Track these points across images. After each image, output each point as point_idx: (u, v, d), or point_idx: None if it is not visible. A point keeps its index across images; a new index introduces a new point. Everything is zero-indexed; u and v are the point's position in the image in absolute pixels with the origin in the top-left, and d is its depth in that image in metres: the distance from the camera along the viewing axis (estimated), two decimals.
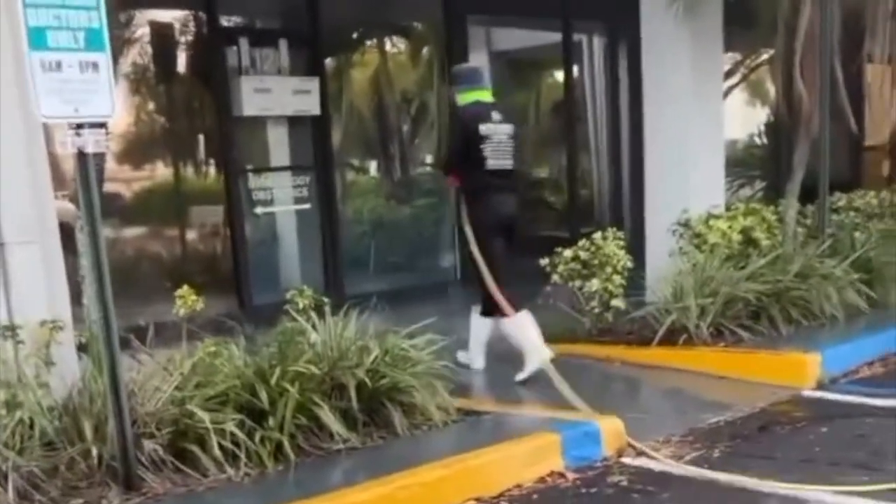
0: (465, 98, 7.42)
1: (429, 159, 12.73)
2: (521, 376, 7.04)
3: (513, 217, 7.42)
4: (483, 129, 7.19)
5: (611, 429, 5.82)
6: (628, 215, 13.24)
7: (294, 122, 10.31)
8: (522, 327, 7.19)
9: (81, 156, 4.53)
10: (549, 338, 7.95)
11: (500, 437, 5.59)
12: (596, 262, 7.94)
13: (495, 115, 7.30)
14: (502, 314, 7.19)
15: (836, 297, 8.07)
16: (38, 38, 4.36)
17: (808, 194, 9.20)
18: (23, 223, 5.55)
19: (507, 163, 7.30)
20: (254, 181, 10.00)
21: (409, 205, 11.29)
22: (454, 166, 7.44)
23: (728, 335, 7.60)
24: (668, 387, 6.97)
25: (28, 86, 4.39)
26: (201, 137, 10.41)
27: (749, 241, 8.43)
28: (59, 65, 4.42)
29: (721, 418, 6.33)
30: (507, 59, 14.52)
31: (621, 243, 7.99)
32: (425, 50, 12.61)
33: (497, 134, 7.24)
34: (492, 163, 7.21)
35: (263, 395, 5.32)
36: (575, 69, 13.66)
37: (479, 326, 7.52)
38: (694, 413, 6.44)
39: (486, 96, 7.46)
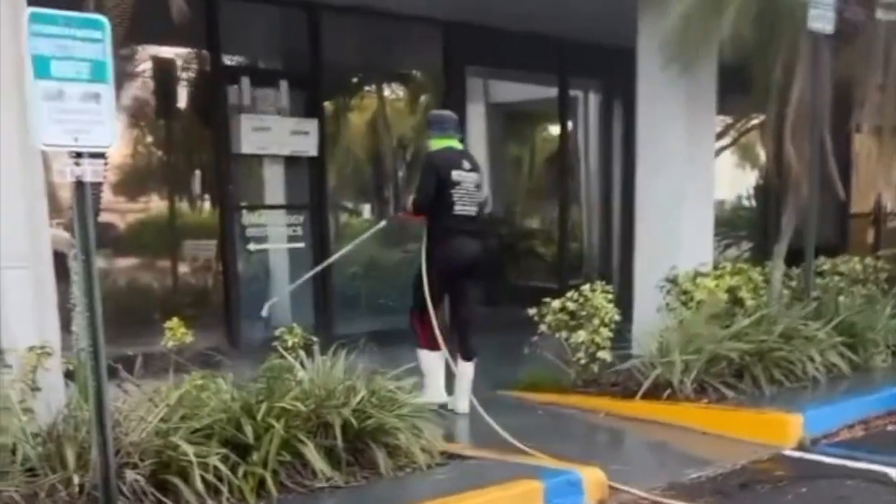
0: (437, 143, 7.70)
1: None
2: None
3: (475, 260, 7.71)
4: (455, 175, 7.51)
5: (593, 479, 5.85)
6: (617, 269, 13.34)
7: (291, 161, 10.41)
8: (436, 365, 7.58)
9: (79, 185, 4.54)
10: (534, 387, 8.06)
11: (484, 483, 5.59)
12: (584, 313, 7.99)
13: (465, 164, 7.63)
14: (430, 347, 7.55)
15: (818, 359, 8.13)
16: (41, 67, 4.37)
17: (794, 257, 9.31)
18: (16, 248, 5.55)
19: (472, 209, 7.63)
20: (248, 218, 10.07)
21: (400, 248, 11.31)
22: (425, 208, 7.61)
23: (711, 392, 7.64)
24: (651, 440, 6.99)
25: (29, 113, 4.41)
26: (198, 172, 10.51)
27: (735, 300, 8.51)
28: (61, 94, 4.43)
29: (703, 474, 6.35)
30: (503, 111, 14.70)
31: (609, 296, 8.04)
32: (423, 97, 12.75)
33: (466, 181, 7.57)
34: (459, 208, 7.52)
35: (249, 430, 5.33)
36: (570, 123, 13.85)
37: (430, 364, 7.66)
38: (676, 467, 6.46)
39: (457, 144, 7.78)
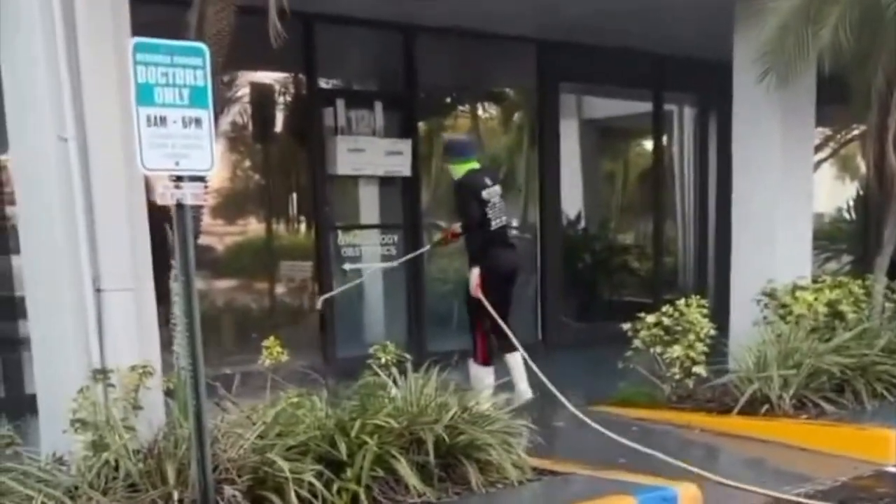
0: (461, 168, 8.33)
1: (514, 222, 12.82)
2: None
3: (516, 266, 8.61)
4: (484, 194, 8.22)
5: (689, 495, 5.80)
6: (713, 283, 13.16)
7: (385, 181, 10.54)
8: (486, 377, 8.04)
9: (180, 208, 4.67)
10: (627, 402, 8.01)
11: (576, 498, 5.60)
12: (679, 328, 7.93)
13: (488, 181, 8.35)
14: (486, 362, 8.20)
15: None
16: (145, 94, 4.52)
17: None
18: (119, 270, 5.77)
19: (503, 219, 8.42)
20: (343, 238, 10.24)
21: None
22: (475, 229, 8.25)
23: (811, 407, 7.51)
24: (748, 456, 6.89)
25: (133, 139, 4.56)
26: (294, 194, 10.69)
27: (835, 313, 8.34)
28: (163, 120, 4.57)
29: (801, 490, 6.24)
30: (597, 127, 14.62)
31: (704, 311, 7.98)
32: (517, 116, 12.79)
33: (493, 197, 8.29)
34: (494, 223, 8.28)
35: (342, 447, 5.41)
36: (664, 138, 13.72)
37: (483, 376, 8.09)
38: (774, 484, 6.35)
39: (476, 164, 8.46)
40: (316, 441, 5.47)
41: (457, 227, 8.65)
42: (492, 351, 8.30)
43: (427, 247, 9.81)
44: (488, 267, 8.16)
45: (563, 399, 7.34)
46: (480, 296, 8.07)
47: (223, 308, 9.97)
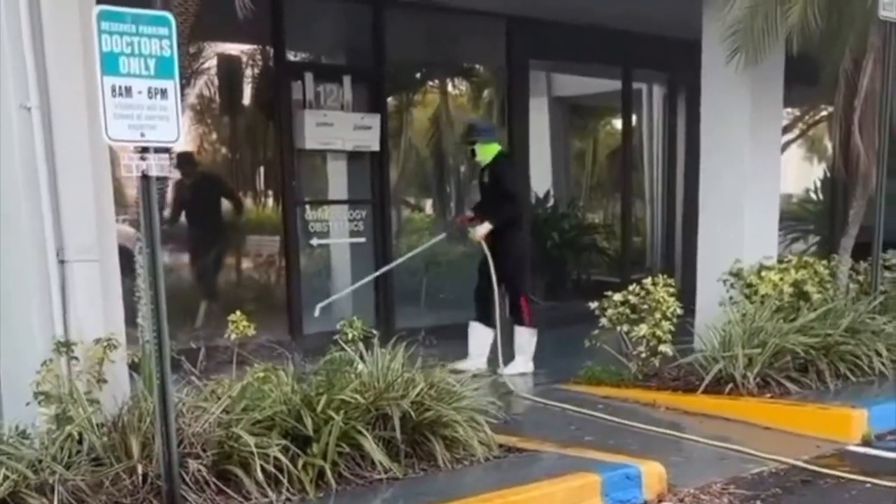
0: (490, 149, 8.74)
1: None
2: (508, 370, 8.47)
3: None
4: None
5: (652, 472, 5.83)
6: (680, 263, 13.21)
7: (353, 156, 10.47)
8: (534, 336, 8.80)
9: (145, 179, 4.64)
10: (594, 380, 8.06)
11: (541, 475, 5.61)
12: (645, 307, 7.96)
13: None
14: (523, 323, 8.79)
15: (885, 354, 7.99)
16: (110, 64, 4.48)
17: (861, 251, 9.16)
18: (85, 243, 5.70)
19: None
20: (311, 213, 10.16)
21: (462, 243, 11.36)
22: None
23: (775, 386, 7.55)
24: (713, 434, 6.91)
25: (98, 109, 4.51)
26: (262, 168, 10.60)
27: (800, 294, 8.40)
28: (128, 90, 4.53)
29: (764, 469, 6.30)
30: (566, 105, 14.66)
31: (671, 290, 8.01)
32: (486, 92, 12.74)
33: None
34: None
35: (309, 422, 5.40)
36: (633, 117, 13.75)
37: (529, 341, 8.82)
38: (737, 462, 6.41)
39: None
40: (282, 416, 5.46)
41: (468, 213, 9.32)
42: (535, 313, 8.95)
43: (443, 234, 9.93)
44: (521, 245, 8.93)
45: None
46: (483, 242, 8.60)
47: (189, 282, 9.90)
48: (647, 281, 8.06)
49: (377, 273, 9.66)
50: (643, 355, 7.99)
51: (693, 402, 7.56)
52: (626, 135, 13.51)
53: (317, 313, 8.91)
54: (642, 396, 7.82)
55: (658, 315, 7.90)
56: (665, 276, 8.15)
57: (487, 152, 8.76)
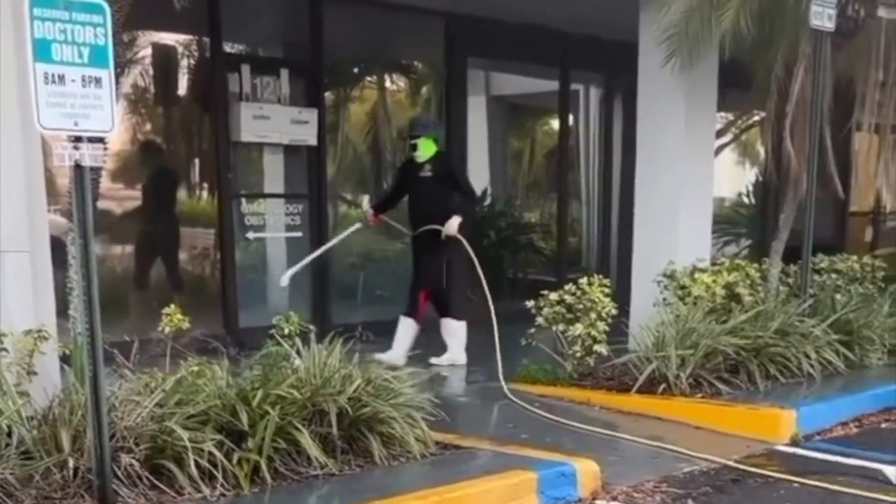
0: (433, 145, 8.86)
1: None
2: (437, 361, 8.86)
3: None
4: None
5: (587, 470, 5.86)
6: (615, 263, 13.36)
7: (290, 150, 10.39)
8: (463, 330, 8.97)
9: (78, 169, 4.56)
10: (530, 379, 8.08)
11: (477, 473, 5.61)
12: (581, 306, 8.00)
13: None
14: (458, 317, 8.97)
15: (814, 356, 8.14)
16: (43, 51, 4.40)
17: (792, 254, 9.33)
18: (15, 232, 5.60)
19: None
20: (247, 206, 10.07)
21: (399, 240, 11.33)
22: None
23: (707, 387, 7.65)
24: (646, 433, 6.99)
25: (30, 97, 4.43)
26: (197, 160, 10.48)
27: (732, 296, 8.51)
28: (61, 78, 4.46)
29: (695, 468, 6.37)
30: (504, 104, 14.72)
31: (607, 290, 8.06)
32: (424, 89, 12.73)
33: None
34: None
35: (244, 417, 5.34)
36: (570, 117, 13.85)
37: (460, 329, 9.01)
38: (669, 461, 6.48)
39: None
40: (217, 411, 5.39)
41: (370, 212, 9.45)
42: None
43: (357, 225, 9.69)
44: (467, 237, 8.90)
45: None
46: (461, 237, 8.73)
47: (122, 274, 9.76)
48: (583, 281, 8.10)
49: (316, 253, 9.56)
50: (578, 355, 8.03)
51: (627, 401, 7.63)
52: (563, 135, 13.61)
53: (284, 283, 8.92)
54: (577, 395, 7.87)
55: (593, 315, 7.95)
56: (600, 277, 8.19)
57: (427, 148, 8.82)
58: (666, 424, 7.29)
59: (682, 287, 8.46)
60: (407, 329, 8.95)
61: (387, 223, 9.69)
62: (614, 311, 8.05)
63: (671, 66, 8.46)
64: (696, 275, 8.51)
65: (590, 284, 8.06)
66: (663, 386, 7.60)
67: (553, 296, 8.07)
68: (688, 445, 6.73)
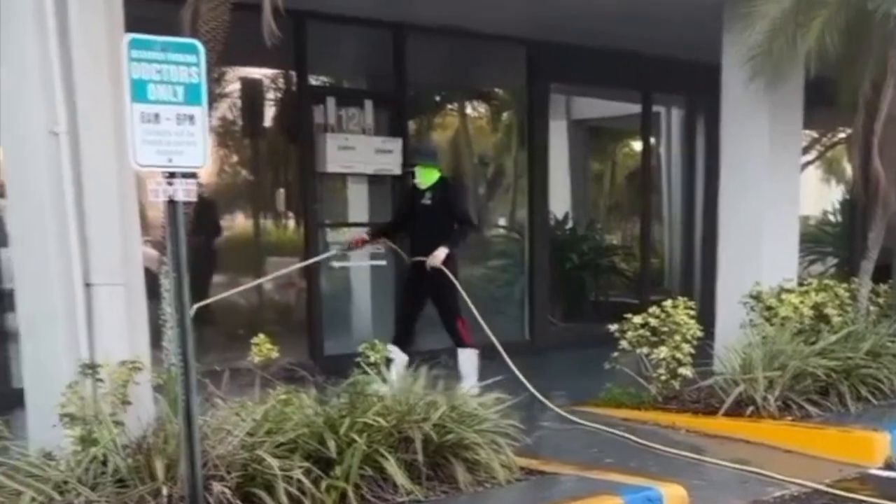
0: (434, 173, 8.62)
1: (502, 221, 12.89)
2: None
3: None
4: None
5: (674, 495, 5.84)
6: (699, 285, 13.23)
7: (374, 180, 10.54)
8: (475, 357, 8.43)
9: (171, 204, 4.68)
10: (613, 402, 8.05)
11: (563, 498, 5.63)
12: (665, 329, 7.96)
13: None
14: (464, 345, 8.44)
15: None
16: (139, 91, 4.52)
17: (881, 273, 9.17)
18: (110, 266, 5.76)
19: None
20: (332, 235, 10.23)
21: (481, 265, 11.41)
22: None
23: (796, 409, 7.55)
24: (733, 457, 6.90)
25: (127, 136, 4.56)
26: (283, 191, 10.66)
27: (820, 316, 8.38)
28: (157, 117, 4.57)
29: (786, 492, 6.29)
30: (585, 128, 14.71)
31: (692, 312, 8.02)
32: (505, 115, 12.81)
33: None
34: None
35: (332, 445, 5.43)
36: (652, 139, 13.78)
37: (472, 357, 8.40)
38: (758, 485, 6.40)
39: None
40: (305, 438, 5.48)
41: (364, 234, 9.09)
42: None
43: (333, 252, 9.66)
44: (455, 265, 8.57)
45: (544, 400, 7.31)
46: (445, 269, 8.32)
47: (211, 304, 9.93)
48: (668, 303, 8.06)
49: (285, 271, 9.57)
50: (663, 378, 7.99)
51: (713, 424, 7.55)
52: (645, 157, 13.55)
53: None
54: (662, 419, 7.82)
55: (678, 337, 7.91)
56: (685, 299, 8.15)
57: (428, 176, 8.60)
58: (754, 448, 7.21)
59: (769, 308, 8.36)
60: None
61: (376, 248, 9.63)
62: (699, 334, 8.00)
63: (755, 85, 8.41)
64: (783, 295, 8.39)
65: (674, 307, 8.02)
66: (751, 409, 7.53)
67: (637, 319, 8.04)
68: (777, 469, 6.63)
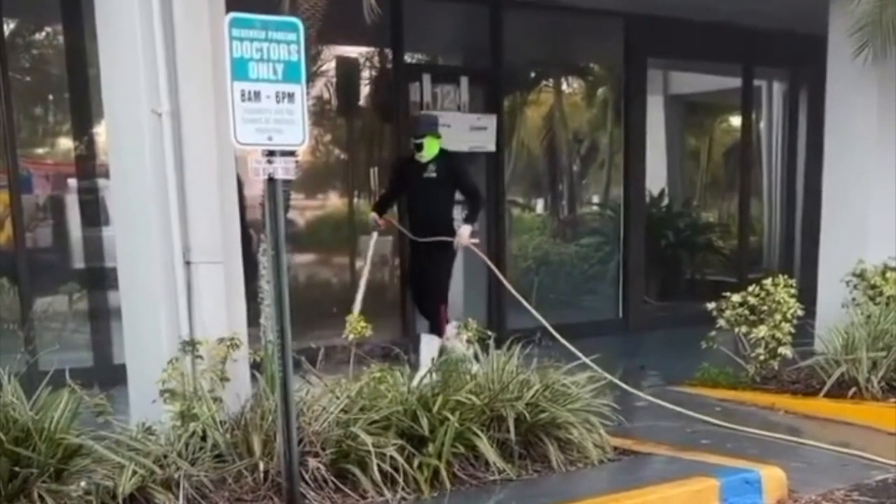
0: (436, 144, 8.43)
1: (596, 199, 12.76)
2: None
3: None
4: None
5: (772, 477, 5.74)
6: (799, 263, 12.96)
7: (468, 157, 10.49)
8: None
9: (271, 182, 4.73)
10: (710, 382, 7.95)
11: (657, 479, 5.58)
12: (765, 308, 7.83)
13: None
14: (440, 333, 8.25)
15: None
16: (240, 69, 4.59)
17: None
18: (210, 245, 5.85)
19: None
20: None
21: (574, 243, 11.33)
22: None
23: None
24: (834, 439, 6.75)
25: (226, 114, 4.63)
26: (377, 169, 10.69)
27: None
28: (257, 95, 4.63)
29: (889, 476, 6.11)
30: (683, 103, 14.47)
31: (792, 291, 7.86)
32: (601, 91, 12.67)
33: None
34: None
35: (425, 422, 5.47)
36: (752, 114, 13.49)
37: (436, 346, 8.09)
38: (860, 468, 6.25)
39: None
40: (398, 416, 5.53)
41: (374, 216, 8.79)
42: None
43: (374, 235, 8.92)
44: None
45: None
46: (474, 247, 8.39)
47: (306, 282, 10.07)
48: (767, 282, 7.92)
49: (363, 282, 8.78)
50: (761, 357, 7.85)
51: (813, 406, 7.42)
52: (745, 132, 13.27)
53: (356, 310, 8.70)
54: (760, 399, 7.70)
55: (778, 316, 7.77)
56: (785, 277, 7.99)
57: (433, 147, 8.45)
58: (855, 430, 7.04)
59: (873, 287, 8.18)
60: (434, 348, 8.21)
61: (392, 226, 9.33)
62: (800, 313, 7.85)
63: (863, 57, 8.18)
64: (888, 274, 8.20)
65: (774, 285, 7.88)
66: (853, 390, 7.40)
67: (735, 297, 7.92)
68: (880, 452, 6.47)
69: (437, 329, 8.31)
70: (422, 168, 8.43)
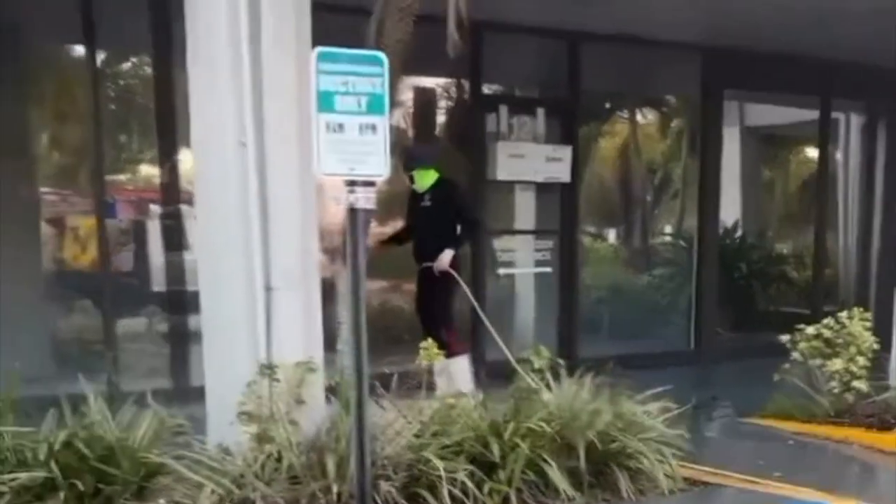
0: (430, 175, 8.50)
1: (669, 230, 12.75)
2: None
3: None
4: None
5: None
6: (874, 296, 12.79)
7: (542, 187, 10.59)
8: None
9: (352, 212, 4.80)
10: (782, 415, 7.89)
11: None
12: (840, 341, 7.77)
13: None
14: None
15: None
16: (326, 102, 4.66)
17: None
18: (290, 271, 5.96)
19: None
20: (498, 243, 10.33)
21: (646, 273, 11.33)
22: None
23: None
24: None
25: (309, 145, 4.72)
26: None
27: None
28: (341, 126, 4.70)
29: None
30: (759, 134, 14.42)
31: (868, 324, 7.80)
32: (676, 122, 12.69)
33: None
34: None
35: (495, 449, 5.53)
36: (829, 146, 13.37)
37: (464, 368, 8.18)
38: None
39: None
40: (469, 442, 5.60)
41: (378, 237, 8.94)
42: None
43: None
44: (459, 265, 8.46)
45: None
46: (453, 271, 8.24)
47: (379, 308, 10.17)
48: (843, 314, 7.87)
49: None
50: (836, 391, 7.79)
51: (889, 440, 7.30)
52: (821, 165, 13.16)
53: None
54: (834, 433, 7.61)
55: (853, 349, 7.71)
56: (861, 310, 7.93)
57: (426, 178, 8.54)
58: None
59: None
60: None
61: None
62: (875, 346, 7.78)
63: None
64: None
65: (850, 318, 7.82)
66: None
67: (810, 329, 7.88)
68: None
69: (453, 353, 8.21)
70: (420, 198, 8.64)
